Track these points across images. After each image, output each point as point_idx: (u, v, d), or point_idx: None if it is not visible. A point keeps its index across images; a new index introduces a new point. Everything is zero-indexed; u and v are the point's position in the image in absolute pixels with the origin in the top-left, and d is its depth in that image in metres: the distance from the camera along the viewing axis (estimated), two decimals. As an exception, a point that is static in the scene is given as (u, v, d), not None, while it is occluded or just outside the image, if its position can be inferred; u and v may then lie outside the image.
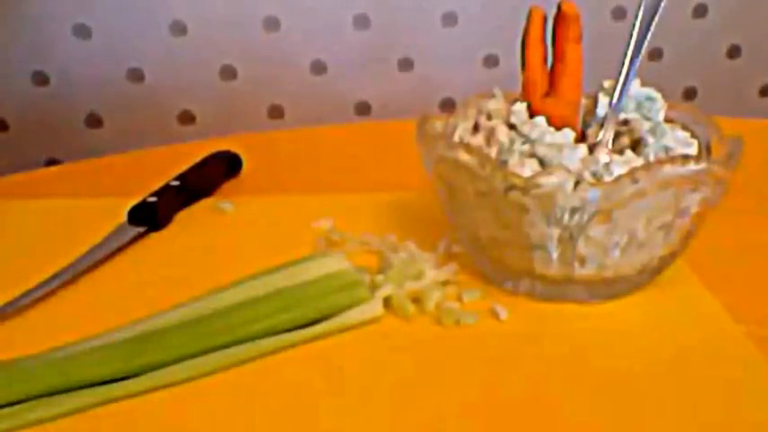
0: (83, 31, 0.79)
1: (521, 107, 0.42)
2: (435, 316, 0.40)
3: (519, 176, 0.38)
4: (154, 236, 0.50)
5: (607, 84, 0.43)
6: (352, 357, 0.38)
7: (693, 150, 0.41)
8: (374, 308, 0.40)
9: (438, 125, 0.44)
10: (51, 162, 0.84)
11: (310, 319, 0.39)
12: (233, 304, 0.39)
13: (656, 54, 0.89)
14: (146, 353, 0.36)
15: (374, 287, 0.41)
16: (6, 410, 0.34)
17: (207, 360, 0.37)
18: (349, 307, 0.40)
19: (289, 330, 0.39)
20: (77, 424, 0.34)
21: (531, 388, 0.36)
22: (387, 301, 0.41)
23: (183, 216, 0.53)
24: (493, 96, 0.45)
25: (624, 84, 0.42)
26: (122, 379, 0.35)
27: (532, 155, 0.39)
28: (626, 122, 0.43)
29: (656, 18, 0.41)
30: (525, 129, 0.41)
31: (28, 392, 0.34)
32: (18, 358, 0.36)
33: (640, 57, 0.41)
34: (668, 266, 0.42)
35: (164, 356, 0.36)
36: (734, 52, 0.91)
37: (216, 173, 0.57)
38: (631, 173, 0.37)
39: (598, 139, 0.42)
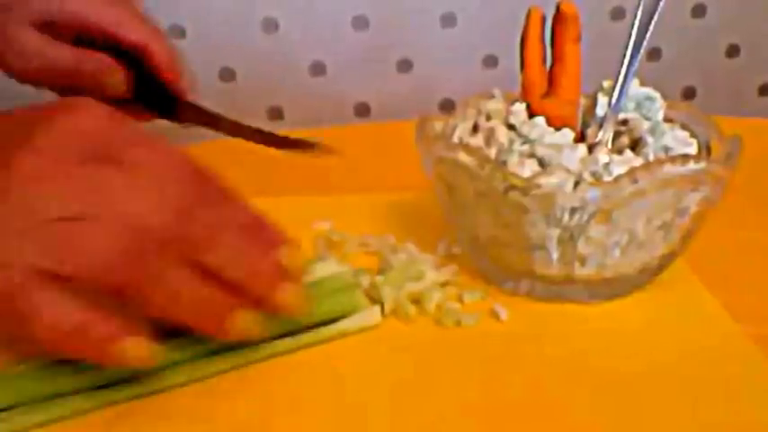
0: (82, 34, 0.79)
1: (520, 107, 0.42)
2: (436, 317, 0.40)
3: (518, 177, 0.38)
4: (154, 238, 0.50)
5: (606, 84, 0.43)
6: (352, 359, 0.38)
7: (693, 150, 0.41)
8: (372, 316, 0.40)
9: (437, 126, 0.44)
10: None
11: (309, 324, 0.39)
12: None
13: (655, 54, 0.89)
14: None
15: (374, 288, 0.41)
16: (2, 414, 0.34)
17: (205, 364, 0.37)
18: (347, 314, 0.39)
19: (287, 335, 0.38)
20: (77, 425, 0.34)
21: (532, 388, 0.36)
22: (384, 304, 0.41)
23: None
24: (492, 97, 0.45)
25: (623, 83, 0.42)
26: (120, 383, 0.35)
27: (532, 155, 0.39)
28: (625, 122, 0.43)
29: (655, 18, 0.41)
30: (525, 129, 0.41)
31: (24, 395, 0.34)
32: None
33: (639, 56, 0.42)
34: (668, 266, 0.42)
35: (161, 361, 0.36)
36: (733, 52, 0.91)
37: None
38: (631, 173, 0.37)
39: (597, 138, 0.42)
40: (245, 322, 0.34)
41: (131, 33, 0.51)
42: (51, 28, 0.51)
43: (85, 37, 0.52)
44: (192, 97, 0.55)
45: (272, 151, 0.57)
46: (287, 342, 0.38)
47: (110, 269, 0.31)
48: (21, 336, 0.32)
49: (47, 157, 0.32)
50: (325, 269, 0.41)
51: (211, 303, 0.33)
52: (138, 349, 0.32)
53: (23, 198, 0.31)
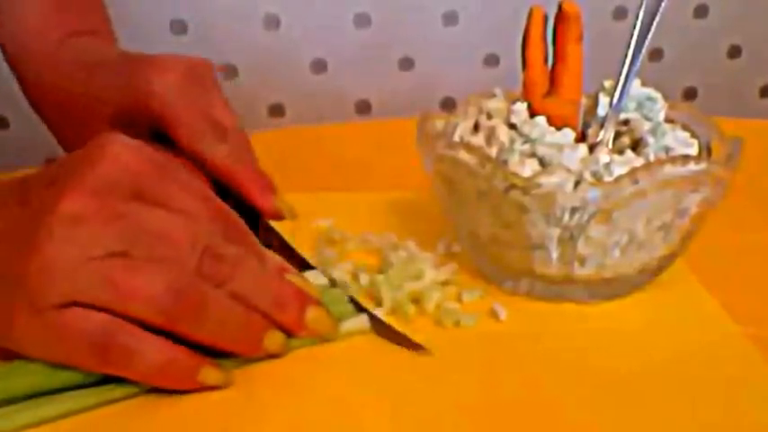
0: (83, 29, 0.78)
1: (521, 107, 0.42)
2: (435, 317, 0.40)
3: (519, 176, 0.38)
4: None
5: (608, 83, 0.43)
6: (351, 358, 0.38)
7: (694, 151, 0.41)
8: (359, 323, 0.40)
9: (438, 124, 0.44)
10: (51, 160, 0.84)
11: None
12: None
13: (656, 54, 0.89)
14: None
15: (373, 286, 0.41)
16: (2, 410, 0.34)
17: None
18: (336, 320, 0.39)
19: None
20: (78, 422, 0.34)
21: (531, 388, 0.36)
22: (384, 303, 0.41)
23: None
24: (493, 96, 0.45)
25: (625, 83, 0.42)
26: (117, 381, 0.35)
27: (533, 154, 0.39)
28: (626, 122, 0.43)
29: (657, 18, 0.41)
30: (525, 128, 0.41)
31: (24, 392, 0.34)
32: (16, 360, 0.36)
33: (641, 57, 0.42)
34: (668, 267, 0.42)
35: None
36: (734, 52, 0.91)
37: None
38: (631, 173, 0.37)
39: (598, 138, 0.42)
40: (276, 341, 0.37)
41: (184, 138, 0.44)
42: (129, 120, 0.46)
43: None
44: (280, 218, 0.46)
45: (274, 149, 0.57)
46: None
47: (157, 305, 0.33)
48: (110, 371, 0.34)
49: (89, 196, 0.33)
50: (313, 280, 0.41)
51: (248, 326, 0.36)
52: (215, 374, 0.35)
53: (66, 238, 0.32)
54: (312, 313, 0.37)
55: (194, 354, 0.35)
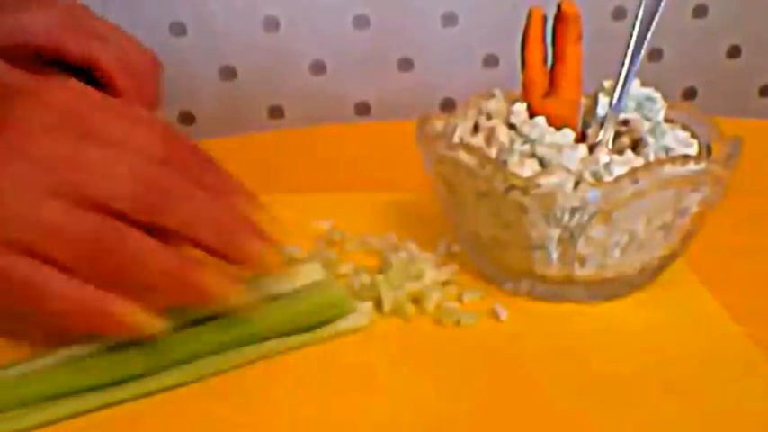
0: (83, 31, 0.78)
1: (521, 107, 0.42)
2: (435, 316, 0.40)
3: (519, 177, 0.38)
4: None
5: (607, 84, 0.43)
6: (351, 358, 0.38)
7: (693, 150, 0.41)
8: (361, 318, 0.40)
9: (438, 125, 0.44)
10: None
11: (299, 328, 0.39)
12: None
13: (655, 54, 0.89)
14: (141, 357, 0.36)
15: (374, 286, 0.41)
16: (3, 415, 0.34)
17: (203, 364, 0.37)
18: (335, 318, 0.39)
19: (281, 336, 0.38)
20: (77, 426, 0.34)
21: (531, 388, 0.36)
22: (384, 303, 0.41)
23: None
24: (493, 96, 0.45)
25: (624, 84, 0.42)
26: (120, 383, 0.35)
27: (532, 155, 0.40)
28: (626, 122, 0.43)
29: (657, 18, 0.41)
30: (525, 129, 0.41)
31: (25, 396, 0.34)
32: (15, 361, 0.36)
33: (640, 57, 0.42)
34: (668, 266, 0.42)
35: (159, 361, 0.36)
36: (734, 52, 0.91)
37: None
38: (631, 173, 0.37)
39: (598, 139, 0.42)
40: (217, 282, 0.34)
41: (74, 48, 0.48)
42: (18, 54, 0.49)
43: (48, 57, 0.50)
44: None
45: (274, 150, 0.57)
46: (285, 342, 0.38)
47: (76, 249, 0.32)
48: (27, 311, 0.33)
49: (20, 131, 0.32)
50: (310, 274, 0.40)
51: (181, 271, 0.34)
52: (134, 311, 0.33)
53: None
54: (257, 245, 0.36)
55: (109, 294, 0.33)
